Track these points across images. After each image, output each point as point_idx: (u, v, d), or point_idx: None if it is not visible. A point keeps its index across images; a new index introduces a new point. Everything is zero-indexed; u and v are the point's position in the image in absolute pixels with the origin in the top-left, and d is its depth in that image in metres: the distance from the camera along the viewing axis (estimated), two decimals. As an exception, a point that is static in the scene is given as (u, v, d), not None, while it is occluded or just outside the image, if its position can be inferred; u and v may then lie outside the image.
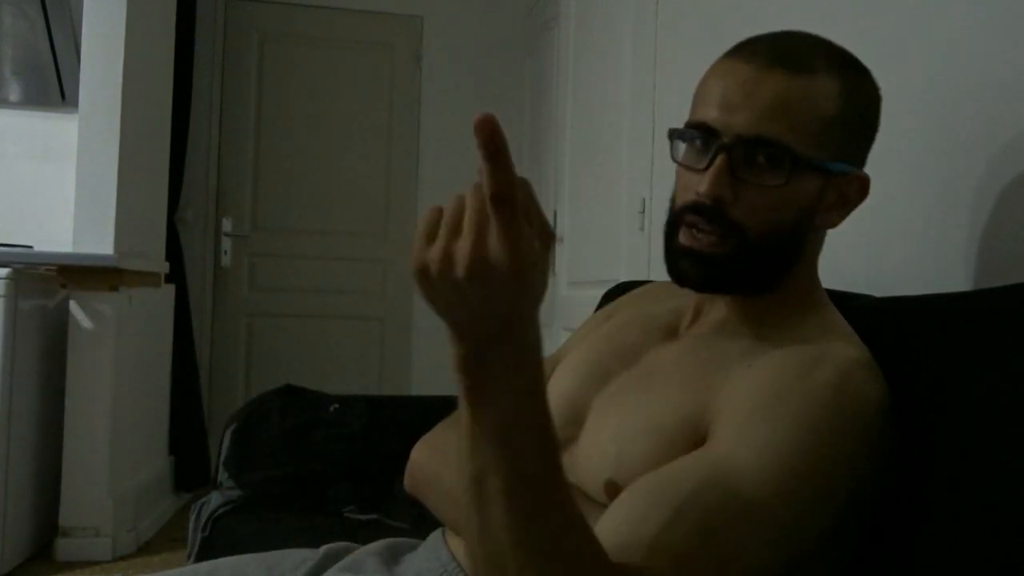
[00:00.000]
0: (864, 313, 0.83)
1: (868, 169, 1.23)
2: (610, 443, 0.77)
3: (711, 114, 0.75)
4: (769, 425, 0.66)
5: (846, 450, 0.67)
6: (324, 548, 0.95)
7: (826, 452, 0.66)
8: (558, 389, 0.90)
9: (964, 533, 0.62)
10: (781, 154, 0.72)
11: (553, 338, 2.99)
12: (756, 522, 0.63)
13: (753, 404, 0.68)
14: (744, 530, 0.63)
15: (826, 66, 0.75)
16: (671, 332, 0.86)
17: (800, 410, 0.67)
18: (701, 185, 0.73)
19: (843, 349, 0.72)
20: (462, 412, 0.56)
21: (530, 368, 0.55)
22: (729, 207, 0.73)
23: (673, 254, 0.78)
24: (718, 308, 0.82)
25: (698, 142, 0.76)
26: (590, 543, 0.58)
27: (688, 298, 0.85)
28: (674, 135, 0.79)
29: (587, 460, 0.80)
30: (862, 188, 0.78)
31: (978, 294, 0.75)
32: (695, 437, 0.70)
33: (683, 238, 0.76)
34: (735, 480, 0.64)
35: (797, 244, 0.78)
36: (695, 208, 0.75)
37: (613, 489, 0.72)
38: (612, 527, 0.64)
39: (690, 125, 0.77)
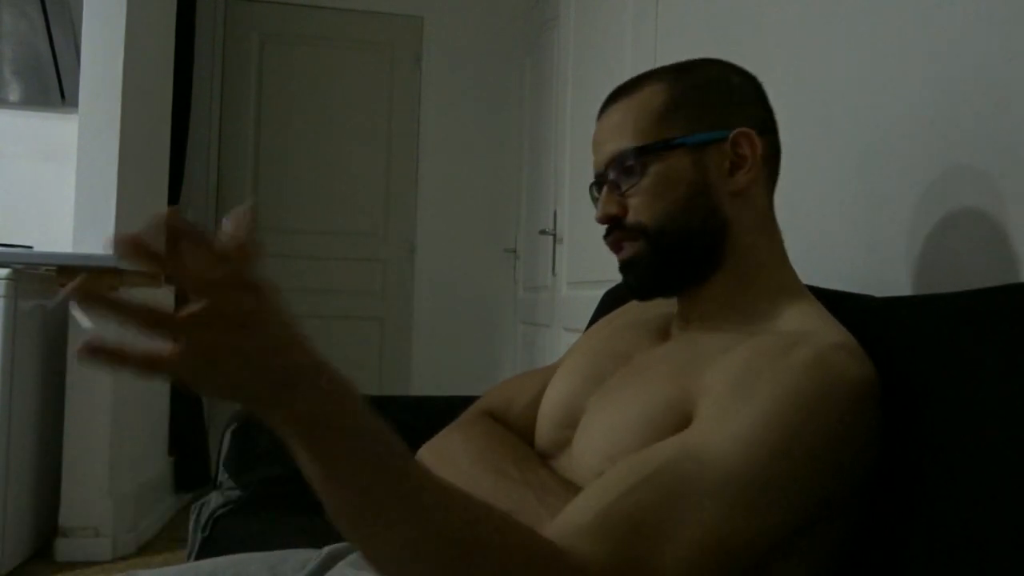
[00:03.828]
0: (864, 313, 0.83)
1: (868, 168, 1.22)
2: (601, 438, 0.78)
3: (593, 165, 0.89)
4: (745, 400, 0.67)
5: (827, 426, 0.67)
6: (327, 549, 0.95)
7: (804, 426, 0.66)
8: (555, 393, 0.92)
9: (963, 532, 0.62)
10: (630, 156, 0.82)
11: (553, 338, 2.99)
12: (725, 490, 0.63)
13: (730, 383, 0.69)
14: (712, 497, 0.63)
15: (652, 78, 0.85)
16: (662, 335, 0.89)
17: (776, 385, 0.67)
18: (596, 214, 0.86)
19: (824, 334, 0.73)
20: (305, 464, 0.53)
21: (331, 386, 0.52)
22: (624, 218, 0.83)
23: (622, 276, 0.87)
24: (698, 305, 0.84)
25: (598, 189, 0.89)
26: (510, 534, 0.58)
27: (673, 303, 0.88)
28: (591, 196, 0.91)
29: (582, 459, 0.81)
30: (751, 143, 0.82)
31: (978, 294, 0.75)
32: (681, 425, 0.71)
33: (618, 258, 0.86)
34: (709, 451, 0.64)
35: (709, 214, 0.82)
36: (606, 233, 0.86)
37: None
38: (578, 500, 0.65)
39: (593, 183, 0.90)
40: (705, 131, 0.82)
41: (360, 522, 0.54)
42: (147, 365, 0.47)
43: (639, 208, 0.82)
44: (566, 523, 0.63)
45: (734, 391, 0.68)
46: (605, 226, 0.85)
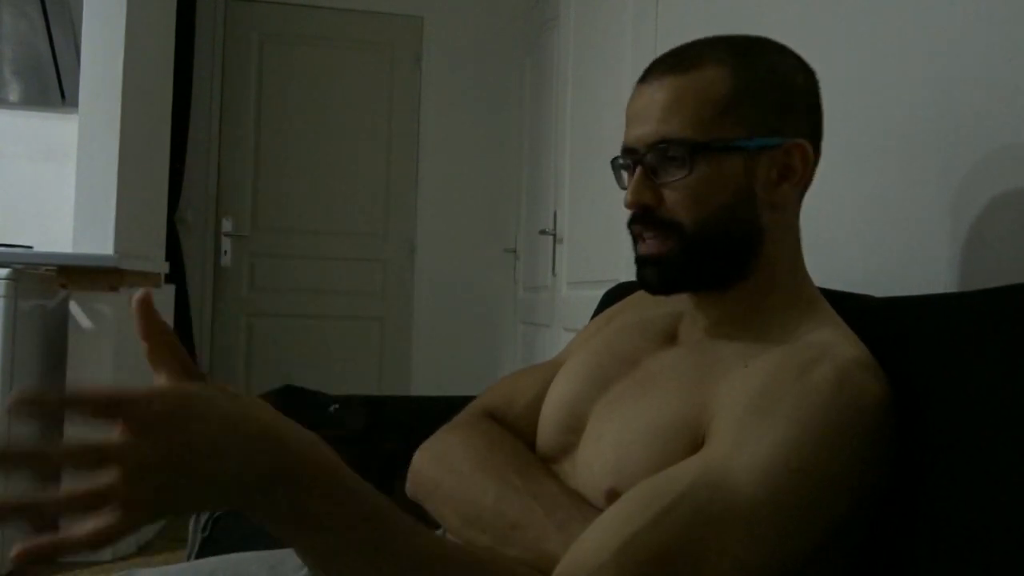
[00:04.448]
0: (864, 313, 0.83)
1: (867, 168, 1.22)
2: (610, 450, 0.77)
3: (627, 136, 0.81)
4: (766, 424, 0.66)
5: (847, 448, 0.66)
6: (325, 548, 0.94)
7: (825, 450, 0.65)
8: (558, 395, 0.90)
9: (964, 533, 0.62)
10: (680, 147, 0.76)
11: (553, 338, 2.99)
12: (749, 520, 0.62)
13: (750, 403, 0.68)
14: (736, 527, 0.62)
15: (714, 56, 0.77)
16: (669, 337, 0.87)
17: (798, 408, 0.66)
18: (627, 198, 0.79)
19: (842, 348, 0.72)
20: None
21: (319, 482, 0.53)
22: (657, 209, 0.78)
23: (637, 266, 0.82)
24: (713, 310, 0.82)
25: (625, 165, 0.82)
26: None
27: (684, 302, 0.86)
28: (613, 166, 0.85)
29: (588, 468, 0.80)
30: (804, 156, 0.78)
31: (978, 294, 0.75)
32: (694, 440, 0.70)
33: (638, 249, 0.81)
34: (730, 479, 0.63)
35: (748, 224, 0.78)
36: (632, 219, 0.80)
37: (614, 497, 0.71)
38: (595, 534, 0.64)
39: (621, 154, 0.83)
40: (763, 136, 0.76)
41: None
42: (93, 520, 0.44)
43: (678, 205, 0.77)
44: (586, 560, 0.61)
45: (754, 412, 0.67)
46: (631, 210, 0.80)
